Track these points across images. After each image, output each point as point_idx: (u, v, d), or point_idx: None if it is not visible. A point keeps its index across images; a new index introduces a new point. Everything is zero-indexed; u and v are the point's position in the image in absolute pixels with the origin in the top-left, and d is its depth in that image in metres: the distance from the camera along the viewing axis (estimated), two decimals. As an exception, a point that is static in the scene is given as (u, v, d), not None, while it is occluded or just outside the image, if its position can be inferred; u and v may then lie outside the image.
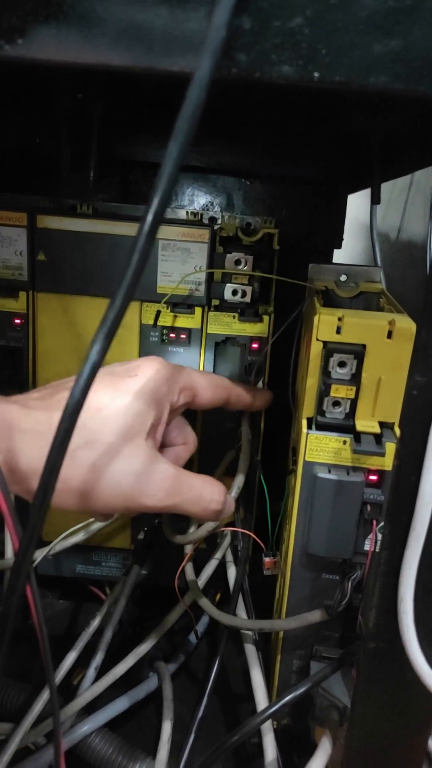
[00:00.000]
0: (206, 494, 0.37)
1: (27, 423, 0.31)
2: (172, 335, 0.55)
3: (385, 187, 0.67)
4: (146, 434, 0.35)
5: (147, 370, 0.37)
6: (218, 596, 0.60)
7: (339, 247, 0.75)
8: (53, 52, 0.23)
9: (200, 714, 0.45)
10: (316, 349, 0.41)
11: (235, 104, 0.42)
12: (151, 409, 0.35)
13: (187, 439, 0.42)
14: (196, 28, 0.22)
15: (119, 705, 0.48)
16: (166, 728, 0.47)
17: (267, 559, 0.50)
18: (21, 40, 0.22)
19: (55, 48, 0.22)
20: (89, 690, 0.47)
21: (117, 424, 0.33)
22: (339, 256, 0.76)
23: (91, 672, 0.50)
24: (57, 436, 0.23)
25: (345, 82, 0.23)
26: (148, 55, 0.22)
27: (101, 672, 0.49)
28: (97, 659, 0.51)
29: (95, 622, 0.53)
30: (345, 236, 0.74)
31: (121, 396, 0.34)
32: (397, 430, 0.41)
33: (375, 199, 0.65)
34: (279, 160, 0.68)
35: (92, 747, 0.44)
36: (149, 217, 0.21)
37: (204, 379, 0.42)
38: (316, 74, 0.23)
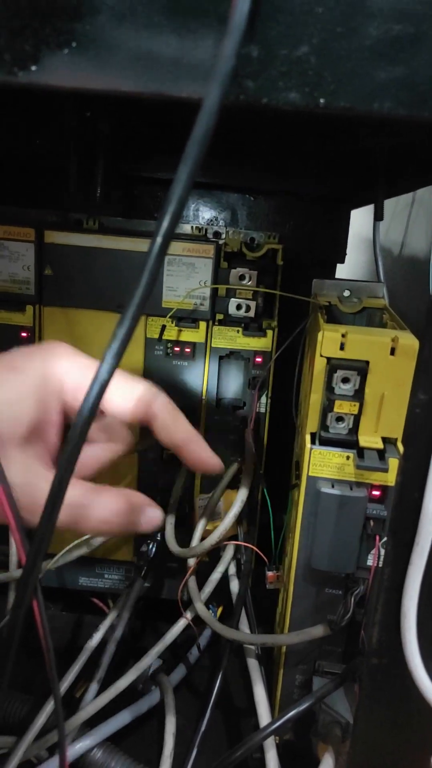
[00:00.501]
0: (95, 515, 0.31)
1: None
2: (177, 349, 0.55)
3: (388, 203, 0.68)
4: (22, 439, 0.30)
5: (34, 360, 0.32)
6: (221, 610, 0.60)
7: (342, 261, 0.75)
8: (65, 78, 0.23)
9: (203, 728, 0.45)
10: (319, 365, 0.41)
11: (242, 125, 0.42)
12: (31, 409, 0.30)
13: (113, 437, 0.35)
14: (205, 56, 0.22)
15: (122, 719, 0.48)
16: (169, 742, 0.46)
17: (270, 573, 0.50)
18: (34, 67, 0.23)
19: (67, 74, 0.23)
20: (92, 703, 0.47)
21: None
22: (342, 270, 0.77)
23: (94, 685, 0.50)
24: (66, 446, 0.24)
25: (350, 108, 0.24)
26: (158, 81, 0.23)
27: (104, 685, 0.49)
28: (100, 672, 0.51)
29: (98, 635, 0.53)
30: (348, 251, 0.75)
31: None
32: (401, 446, 0.41)
33: (378, 216, 0.65)
34: (283, 176, 0.68)
35: (95, 761, 0.44)
36: (159, 239, 0.21)
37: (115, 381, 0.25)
38: (321, 100, 0.23)
